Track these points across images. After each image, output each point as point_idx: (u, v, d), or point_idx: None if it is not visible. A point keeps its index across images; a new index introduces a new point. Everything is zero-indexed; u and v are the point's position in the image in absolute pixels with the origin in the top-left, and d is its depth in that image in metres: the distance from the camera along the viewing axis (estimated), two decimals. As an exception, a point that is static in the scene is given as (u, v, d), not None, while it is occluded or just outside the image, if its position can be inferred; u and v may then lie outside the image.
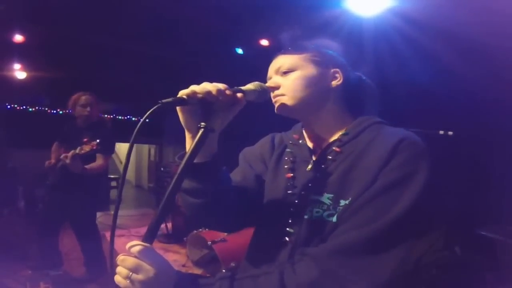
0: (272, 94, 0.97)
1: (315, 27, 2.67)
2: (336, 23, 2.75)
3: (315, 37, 1.03)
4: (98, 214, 3.47)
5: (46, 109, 7.33)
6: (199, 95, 0.77)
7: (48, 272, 3.05)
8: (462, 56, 2.53)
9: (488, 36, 2.31)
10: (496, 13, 2.21)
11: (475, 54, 2.54)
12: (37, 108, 7.22)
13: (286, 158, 1.04)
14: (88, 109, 3.05)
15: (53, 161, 3.14)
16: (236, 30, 3.68)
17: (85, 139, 2.76)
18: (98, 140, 2.71)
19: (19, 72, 5.44)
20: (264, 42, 3.80)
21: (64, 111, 7.41)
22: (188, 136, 0.85)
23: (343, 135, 0.95)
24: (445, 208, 2.73)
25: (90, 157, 2.92)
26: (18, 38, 3.98)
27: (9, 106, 6.87)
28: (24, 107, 7.07)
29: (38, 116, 7.14)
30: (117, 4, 3.24)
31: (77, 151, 2.72)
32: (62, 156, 2.77)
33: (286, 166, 1.02)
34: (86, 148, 2.71)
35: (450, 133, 2.56)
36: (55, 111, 7.34)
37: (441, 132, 2.57)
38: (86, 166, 2.88)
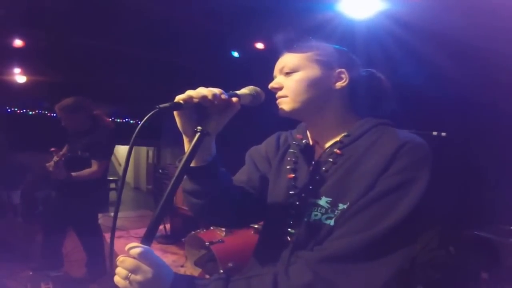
0: (276, 95, 0.97)
1: (309, 30, 2.70)
2: (329, 26, 2.76)
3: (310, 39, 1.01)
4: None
5: (46, 112, 7.34)
6: (195, 100, 0.79)
7: (49, 273, 3.08)
8: (455, 58, 2.54)
9: (480, 39, 2.33)
10: (488, 16, 2.23)
11: (467, 56, 2.55)
12: (37, 111, 7.24)
13: (288, 159, 1.04)
14: (61, 114, 3.01)
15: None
16: (232, 34, 3.70)
17: (52, 149, 2.70)
18: (62, 151, 2.72)
19: (19, 76, 5.45)
20: (260, 45, 3.81)
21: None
22: (185, 140, 0.87)
23: (344, 136, 0.94)
24: (440, 208, 2.76)
25: (85, 162, 2.93)
26: (18, 42, 4.00)
27: (9, 110, 6.89)
28: (24, 110, 7.09)
29: (38, 119, 7.16)
30: (114, 8, 3.26)
31: (56, 158, 2.69)
32: (47, 164, 2.75)
33: (288, 167, 1.02)
34: (56, 158, 2.67)
35: (444, 134, 2.59)
36: (55, 114, 7.35)
37: (435, 133, 2.60)
38: (73, 174, 2.82)
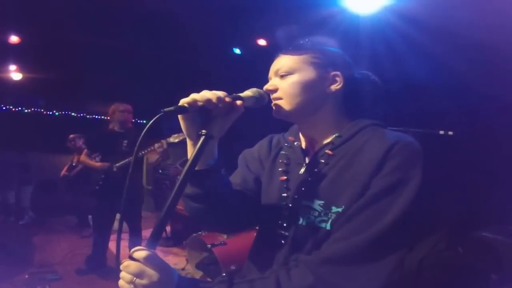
0: (271, 96, 0.97)
1: (312, 25, 2.65)
2: (333, 21, 2.74)
3: (314, 35, 1.00)
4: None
5: (42, 110, 7.28)
6: (200, 103, 0.79)
7: (45, 277, 3.04)
8: (461, 54, 2.50)
9: (487, 34, 2.29)
10: (494, 11, 2.19)
11: (474, 52, 2.51)
12: (32, 109, 7.16)
13: (280, 161, 1.04)
14: (126, 114, 3.40)
15: (106, 164, 3.33)
16: (234, 30, 3.66)
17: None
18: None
19: (14, 73, 5.41)
20: (262, 42, 3.79)
21: (60, 113, 7.37)
22: (189, 143, 0.87)
23: (336, 137, 0.95)
24: (447, 208, 2.71)
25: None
26: (14, 39, 3.95)
27: (4, 108, 6.82)
28: (19, 108, 7.01)
29: (34, 117, 7.09)
30: (113, 5, 3.21)
31: (170, 139, 3.05)
32: (157, 145, 3.07)
33: (280, 169, 1.02)
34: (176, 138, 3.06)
35: (451, 133, 2.55)
36: (51, 113, 7.29)
37: (441, 132, 2.55)
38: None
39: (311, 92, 0.93)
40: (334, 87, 0.95)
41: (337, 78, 0.95)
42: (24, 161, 5.25)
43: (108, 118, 3.54)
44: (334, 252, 0.80)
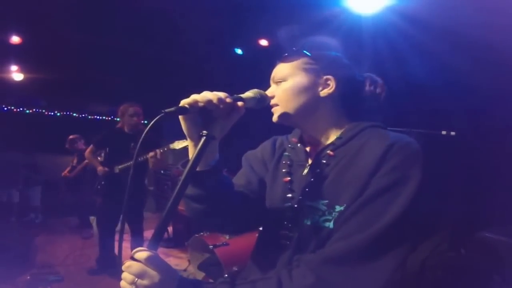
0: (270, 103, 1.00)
1: (314, 26, 2.64)
2: (335, 21, 2.73)
3: (314, 36, 1.02)
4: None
5: (44, 111, 7.27)
6: (200, 104, 0.79)
7: (47, 277, 3.04)
8: (463, 54, 2.49)
9: (490, 34, 2.27)
10: (497, 10, 2.18)
11: (476, 53, 2.49)
12: (34, 110, 7.15)
13: (283, 162, 1.06)
14: (135, 118, 3.32)
15: (106, 168, 3.33)
16: (235, 31, 3.66)
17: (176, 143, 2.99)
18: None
19: (16, 74, 5.41)
20: (263, 42, 3.78)
21: (61, 113, 7.36)
22: (190, 144, 0.88)
23: (337, 138, 0.96)
24: (449, 209, 2.70)
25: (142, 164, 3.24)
26: (15, 39, 3.94)
27: (5, 108, 6.81)
28: (21, 109, 7.00)
29: (36, 118, 7.08)
30: (114, 5, 3.21)
31: (165, 148, 3.02)
32: (151, 154, 2.97)
33: (283, 170, 1.04)
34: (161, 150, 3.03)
35: (453, 133, 2.53)
36: (52, 113, 7.28)
37: (444, 132, 2.54)
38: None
39: (303, 97, 0.96)
40: (326, 91, 0.97)
41: (329, 82, 0.97)
42: (28, 161, 5.26)
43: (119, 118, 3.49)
44: (334, 251, 0.80)
